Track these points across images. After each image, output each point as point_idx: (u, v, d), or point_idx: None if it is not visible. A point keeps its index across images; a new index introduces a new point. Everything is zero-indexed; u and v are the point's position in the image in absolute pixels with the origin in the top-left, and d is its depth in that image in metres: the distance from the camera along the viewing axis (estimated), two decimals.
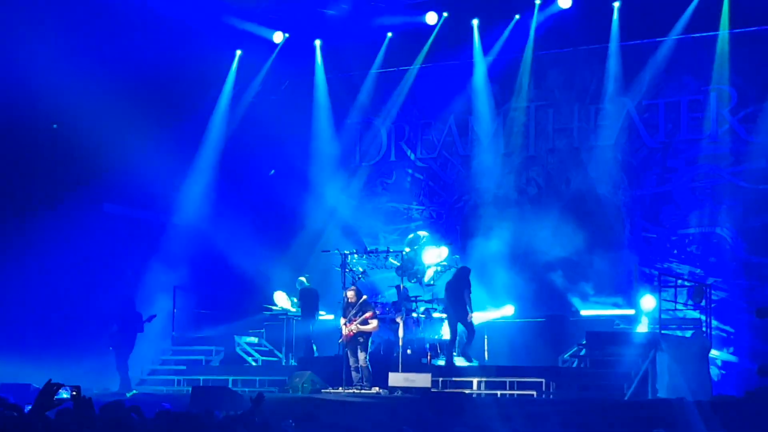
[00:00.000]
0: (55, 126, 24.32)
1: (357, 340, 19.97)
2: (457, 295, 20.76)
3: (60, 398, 10.13)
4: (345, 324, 20.07)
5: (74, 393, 10.54)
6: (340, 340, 20.37)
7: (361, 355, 19.91)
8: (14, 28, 22.23)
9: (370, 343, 20.29)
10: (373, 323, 20.10)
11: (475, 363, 20.64)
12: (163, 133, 24.72)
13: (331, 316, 23.22)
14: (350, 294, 20.40)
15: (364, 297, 20.42)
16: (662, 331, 19.33)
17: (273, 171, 27.45)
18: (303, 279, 23.31)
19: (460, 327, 20.71)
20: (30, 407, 13.08)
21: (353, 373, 20.01)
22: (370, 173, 27.38)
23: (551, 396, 18.87)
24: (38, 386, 16.78)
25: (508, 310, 22.86)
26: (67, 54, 22.54)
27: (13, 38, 22.26)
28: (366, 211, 26.87)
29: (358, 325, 19.89)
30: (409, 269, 22.34)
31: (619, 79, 24.19)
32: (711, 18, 23.14)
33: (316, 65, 27.22)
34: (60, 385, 9.97)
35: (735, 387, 20.97)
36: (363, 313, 19.98)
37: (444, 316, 21.88)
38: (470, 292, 20.78)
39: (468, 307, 20.60)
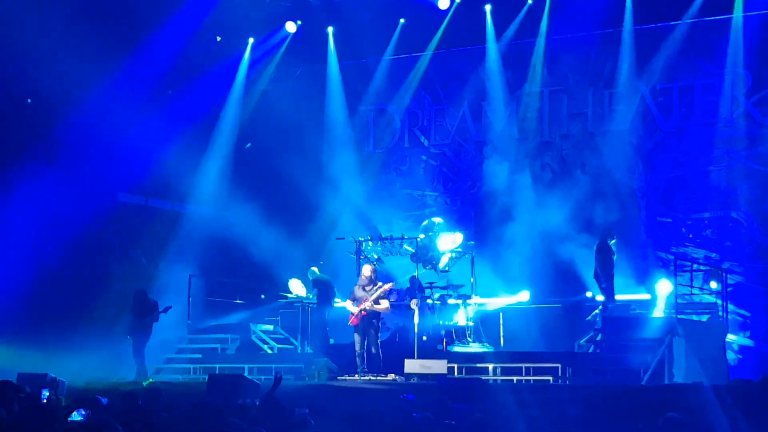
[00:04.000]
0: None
1: (370, 321, 19.74)
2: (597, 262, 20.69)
3: (74, 420, 10.26)
4: (354, 305, 19.83)
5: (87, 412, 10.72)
6: (351, 321, 20.00)
7: (373, 340, 19.68)
8: (21, 18, 22.30)
9: (382, 329, 20.20)
10: (385, 303, 19.91)
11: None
12: (177, 120, 24.73)
13: (346, 303, 23.21)
14: (367, 269, 20.22)
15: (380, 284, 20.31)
16: (678, 316, 19.29)
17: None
18: (315, 269, 23.27)
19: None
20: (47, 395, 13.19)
21: (358, 359, 19.71)
22: (384, 160, 27.39)
23: (567, 381, 18.86)
24: (54, 375, 16.96)
25: (524, 295, 22.83)
26: (79, 41, 22.54)
27: (21, 29, 22.33)
28: (380, 197, 26.87)
29: (372, 303, 19.68)
30: (424, 256, 22.34)
31: (633, 64, 24.13)
32: (725, 1, 23.05)
33: (328, 52, 27.18)
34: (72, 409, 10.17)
35: (752, 371, 20.91)
36: (377, 289, 19.74)
37: (459, 301, 21.97)
38: (608, 259, 20.52)
39: (604, 274, 20.45)
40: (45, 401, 13.95)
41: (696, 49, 23.76)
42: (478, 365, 19.87)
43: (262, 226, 25.58)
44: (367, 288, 19.86)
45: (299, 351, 23.03)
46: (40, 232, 23.83)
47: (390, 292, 20.33)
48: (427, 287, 22.10)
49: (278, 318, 24.46)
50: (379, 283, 19.93)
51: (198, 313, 24.48)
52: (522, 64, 25.48)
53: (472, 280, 22.61)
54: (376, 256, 22.83)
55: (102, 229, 24.69)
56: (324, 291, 22.83)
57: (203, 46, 25.82)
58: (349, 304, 20.06)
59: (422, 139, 27.01)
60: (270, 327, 24.17)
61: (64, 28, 22.45)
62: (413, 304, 20.65)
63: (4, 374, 15.22)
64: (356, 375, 19.63)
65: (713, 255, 23.08)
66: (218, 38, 26.27)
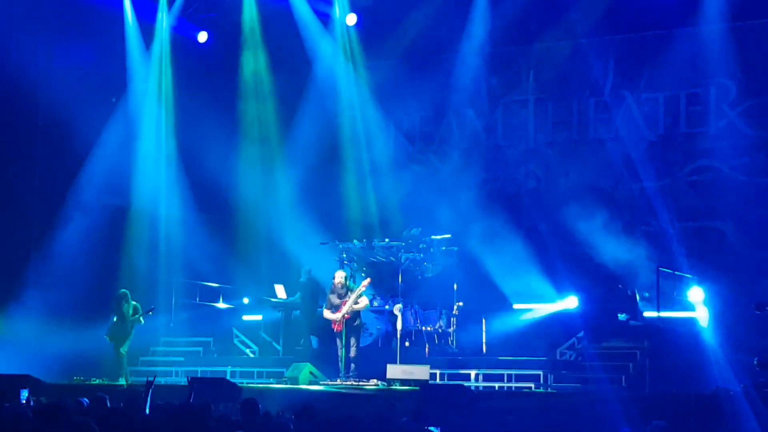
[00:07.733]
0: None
1: (352, 324, 19.69)
2: None
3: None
4: (332, 312, 19.76)
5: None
6: (335, 328, 19.86)
7: (353, 343, 19.68)
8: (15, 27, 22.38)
9: (365, 334, 20.18)
10: (364, 300, 19.87)
11: None
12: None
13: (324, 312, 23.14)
14: (340, 276, 20.11)
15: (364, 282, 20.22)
16: (660, 324, 19.32)
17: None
18: (308, 269, 23.22)
19: None
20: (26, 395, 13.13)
21: (342, 364, 19.72)
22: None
23: (549, 388, 18.88)
24: (37, 377, 16.90)
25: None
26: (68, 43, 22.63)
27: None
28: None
29: (351, 305, 19.60)
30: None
31: (618, 72, 24.16)
32: (710, 10, 23.11)
33: None
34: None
35: (734, 380, 20.93)
36: (352, 293, 19.64)
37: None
38: None
39: None
40: (24, 402, 13.89)
41: (681, 59, 23.79)
42: (461, 371, 19.88)
43: (246, 230, 25.55)
44: (342, 293, 19.78)
45: (281, 355, 23.00)
46: (24, 232, 23.78)
47: (374, 297, 20.31)
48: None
49: (261, 321, 24.42)
50: (363, 284, 19.85)
51: (180, 316, 24.43)
52: (508, 72, 25.49)
53: (455, 286, 22.58)
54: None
55: (87, 230, 24.60)
56: (311, 295, 22.78)
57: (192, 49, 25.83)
58: (327, 313, 19.96)
59: (407, 145, 26.94)
60: (252, 330, 24.12)
61: (53, 28, 22.50)
62: (396, 309, 20.64)
63: None
64: (338, 380, 19.61)
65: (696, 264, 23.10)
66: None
